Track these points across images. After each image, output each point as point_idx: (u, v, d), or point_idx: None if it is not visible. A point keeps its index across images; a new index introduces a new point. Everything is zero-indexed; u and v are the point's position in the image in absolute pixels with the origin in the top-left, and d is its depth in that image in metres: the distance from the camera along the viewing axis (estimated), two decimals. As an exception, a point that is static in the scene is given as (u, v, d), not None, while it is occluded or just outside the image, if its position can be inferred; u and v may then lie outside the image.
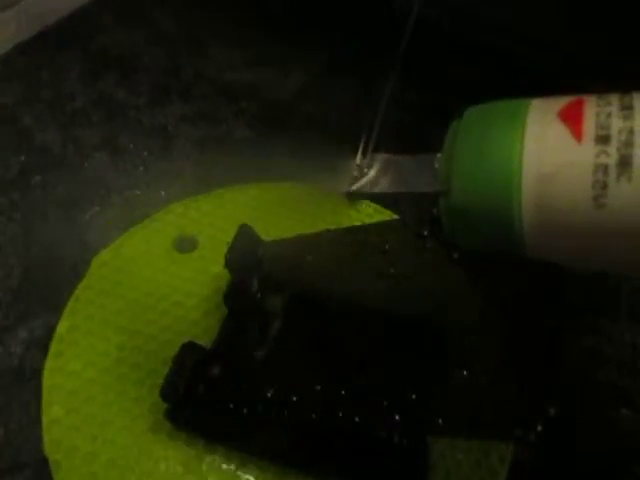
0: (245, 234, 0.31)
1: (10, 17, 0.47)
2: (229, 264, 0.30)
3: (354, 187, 0.24)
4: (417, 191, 0.22)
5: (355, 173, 0.24)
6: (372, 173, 0.23)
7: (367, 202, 0.38)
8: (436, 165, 0.22)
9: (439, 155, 0.22)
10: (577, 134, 0.18)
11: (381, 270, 0.26)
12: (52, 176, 0.39)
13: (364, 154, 0.24)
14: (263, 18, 0.49)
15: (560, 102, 0.20)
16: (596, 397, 0.27)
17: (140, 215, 0.37)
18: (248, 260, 0.30)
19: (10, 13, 0.48)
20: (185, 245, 0.35)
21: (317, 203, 0.38)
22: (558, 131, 0.19)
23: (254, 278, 0.30)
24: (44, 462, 0.28)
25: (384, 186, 0.23)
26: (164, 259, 0.35)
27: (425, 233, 0.25)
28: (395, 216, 0.36)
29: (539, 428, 0.20)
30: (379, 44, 0.48)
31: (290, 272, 0.30)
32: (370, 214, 0.37)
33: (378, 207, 0.38)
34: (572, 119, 0.19)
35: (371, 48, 0.48)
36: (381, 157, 0.24)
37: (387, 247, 0.27)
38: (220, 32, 0.48)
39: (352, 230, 0.30)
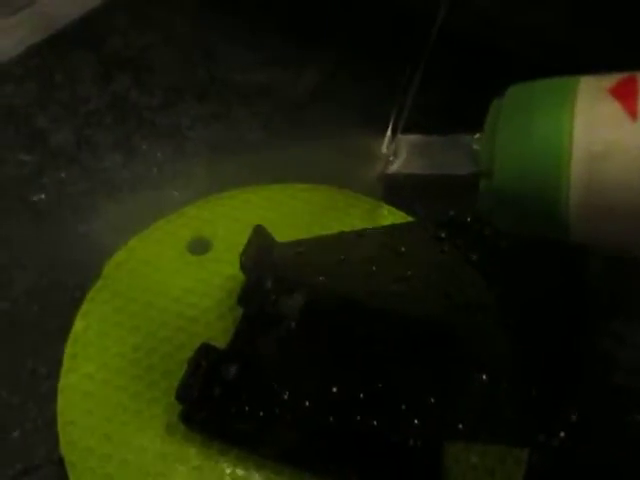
0: (260, 235, 0.31)
1: (23, 19, 0.48)
2: (244, 266, 0.30)
3: (386, 170, 0.23)
4: (452, 173, 0.21)
5: (385, 152, 0.23)
6: (402, 156, 0.23)
7: (380, 203, 0.38)
8: (474, 145, 0.21)
9: (477, 135, 0.21)
10: (631, 111, 0.18)
11: (397, 272, 0.26)
12: (66, 177, 0.39)
13: (393, 135, 0.24)
14: (276, 19, 0.49)
15: (611, 79, 0.19)
16: (611, 402, 0.26)
17: (154, 216, 0.37)
18: (262, 261, 0.30)
19: (23, 15, 0.48)
20: (199, 247, 0.35)
21: (330, 204, 0.38)
22: (610, 108, 0.18)
23: (268, 280, 0.30)
24: (59, 463, 0.28)
25: (416, 168, 0.22)
26: (178, 261, 0.35)
27: (443, 235, 0.25)
28: (409, 217, 0.36)
29: (562, 434, 0.20)
30: (393, 43, 0.48)
31: (305, 274, 0.30)
32: (384, 215, 0.37)
33: (391, 209, 0.38)
34: (625, 96, 0.18)
35: (384, 47, 0.48)
36: (411, 139, 0.23)
37: (403, 249, 0.27)
38: (233, 33, 0.48)
39: (368, 232, 0.30)
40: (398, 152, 0.23)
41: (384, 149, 0.23)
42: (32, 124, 0.42)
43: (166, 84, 0.45)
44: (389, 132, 0.24)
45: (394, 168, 0.23)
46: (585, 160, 0.18)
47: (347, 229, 0.35)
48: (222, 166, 0.40)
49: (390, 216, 0.37)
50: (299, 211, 0.37)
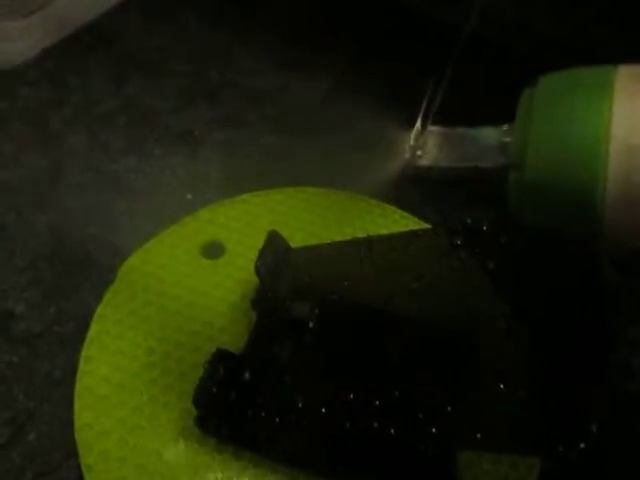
0: (274, 240, 0.31)
1: (37, 21, 0.48)
2: (258, 271, 0.30)
3: (413, 163, 0.23)
4: (479, 165, 0.21)
5: (412, 144, 0.23)
6: (429, 149, 0.22)
7: (393, 208, 0.38)
8: (503, 137, 0.21)
9: (505, 127, 0.21)
10: None
11: (412, 279, 0.26)
12: (80, 180, 0.39)
13: (422, 128, 0.23)
14: (289, 21, 0.49)
15: None
16: (628, 411, 0.26)
17: (167, 219, 0.37)
18: (277, 267, 0.30)
19: (37, 17, 0.48)
20: (212, 251, 0.36)
21: (343, 208, 0.38)
22: None
23: (282, 285, 0.30)
24: (76, 466, 0.28)
25: (442, 161, 0.22)
26: (192, 265, 0.35)
27: (458, 243, 0.25)
28: (423, 224, 0.36)
29: (582, 445, 0.20)
30: (406, 46, 0.48)
31: (319, 280, 0.30)
32: (396, 220, 0.37)
33: (404, 213, 0.38)
34: None
35: (397, 50, 0.48)
36: (437, 131, 0.23)
37: (418, 256, 0.27)
38: (247, 36, 0.48)
39: (382, 238, 0.30)
40: (425, 145, 0.23)
41: (411, 141, 0.23)
42: (47, 126, 0.42)
43: (179, 87, 0.45)
44: (417, 124, 0.24)
45: (421, 160, 0.23)
46: (624, 152, 0.17)
47: (360, 234, 0.35)
48: (235, 169, 0.40)
49: (402, 220, 0.37)
50: (310, 215, 0.38)
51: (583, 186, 0.18)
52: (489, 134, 0.21)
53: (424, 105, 0.24)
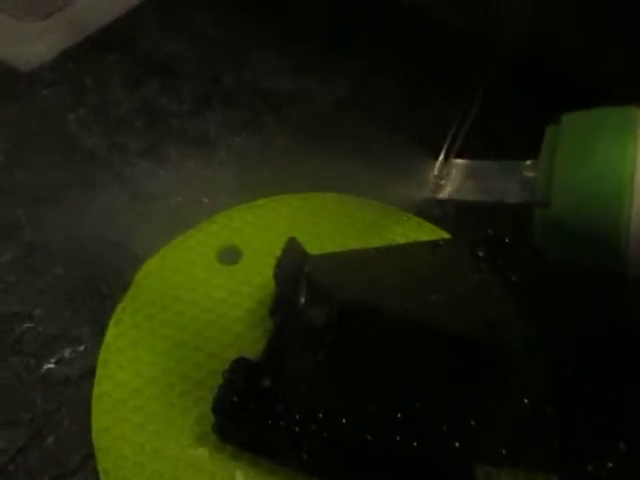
0: (292, 248, 0.31)
1: (55, 24, 0.48)
2: (276, 278, 0.30)
3: (435, 195, 0.23)
4: (504, 200, 0.21)
5: (435, 175, 0.23)
6: (453, 180, 0.23)
7: (411, 215, 0.38)
8: (528, 172, 0.21)
9: (529, 162, 0.21)
10: None
11: (434, 290, 0.26)
12: (97, 183, 0.40)
13: (446, 159, 0.23)
14: (305, 26, 0.49)
15: None
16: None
17: (184, 224, 0.37)
18: (295, 274, 0.30)
19: (55, 20, 0.48)
20: (229, 256, 0.36)
21: (360, 215, 0.38)
22: None
23: (300, 292, 0.30)
24: (93, 471, 0.28)
25: (466, 194, 0.22)
26: (208, 270, 0.35)
27: (481, 254, 0.25)
28: (441, 231, 0.36)
29: (610, 464, 0.19)
30: (422, 53, 0.48)
31: (338, 287, 0.30)
32: (414, 228, 0.37)
33: (421, 220, 0.38)
34: None
35: (413, 57, 0.47)
36: (462, 163, 0.23)
37: (438, 266, 0.27)
38: (262, 39, 0.48)
39: (402, 247, 0.30)
40: (449, 176, 0.23)
41: (435, 172, 0.23)
42: (64, 128, 0.42)
43: (195, 90, 0.45)
44: (441, 156, 0.24)
45: (444, 193, 0.23)
46: None
47: (378, 241, 0.35)
48: (252, 174, 0.40)
49: (419, 229, 0.37)
50: (326, 221, 0.38)
51: (608, 225, 0.18)
52: (514, 168, 0.21)
53: (448, 139, 0.25)
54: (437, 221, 0.37)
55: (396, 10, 0.49)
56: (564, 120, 0.20)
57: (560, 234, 0.19)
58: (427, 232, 0.37)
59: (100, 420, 0.29)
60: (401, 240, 0.36)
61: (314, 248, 0.34)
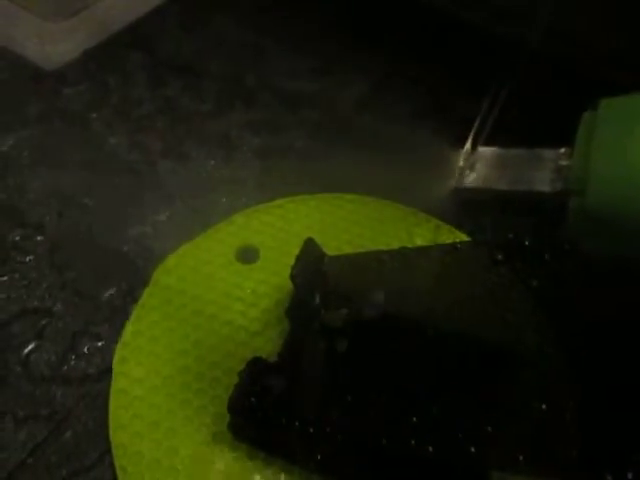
0: (310, 248, 0.31)
1: (79, 24, 0.49)
2: (294, 278, 0.30)
3: (461, 184, 0.22)
4: (534, 189, 0.21)
5: (462, 165, 0.23)
6: (479, 169, 0.22)
7: (430, 217, 0.37)
8: (561, 161, 0.20)
9: (562, 150, 0.20)
10: None
11: (452, 294, 0.26)
12: (119, 181, 0.40)
13: (473, 148, 0.23)
14: (327, 27, 0.49)
15: None
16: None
17: (203, 223, 0.37)
18: (312, 275, 0.30)
19: (79, 19, 0.49)
20: (247, 255, 0.36)
21: (379, 216, 0.38)
22: None
23: (318, 293, 0.30)
24: (110, 467, 0.29)
25: (494, 183, 0.22)
26: (227, 269, 0.35)
27: (500, 258, 0.25)
28: (460, 234, 0.36)
29: (630, 475, 0.19)
30: (442, 52, 0.48)
31: (355, 289, 0.30)
32: (433, 229, 0.37)
33: (440, 223, 0.37)
34: None
35: (433, 56, 0.47)
36: (489, 152, 0.22)
37: (457, 269, 0.27)
38: (284, 40, 0.48)
39: (420, 249, 0.30)
40: (475, 165, 0.22)
41: (461, 162, 0.23)
42: (87, 127, 0.43)
43: (216, 90, 0.46)
44: (468, 144, 0.23)
45: (470, 182, 0.22)
46: None
47: (396, 243, 0.35)
48: (271, 174, 0.40)
49: (437, 230, 0.37)
50: (344, 222, 0.38)
51: None
52: (545, 157, 0.20)
53: (476, 124, 0.24)
54: (456, 223, 0.37)
55: (416, 9, 0.49)
56: (602, 105, 0.19)
57: (595, 223, 0.18)
58: (446, 234, 0.36)
59: (117, 416, 0.30)
60: (419, 242, 0.36)
61: (332, 249, 0.34)
